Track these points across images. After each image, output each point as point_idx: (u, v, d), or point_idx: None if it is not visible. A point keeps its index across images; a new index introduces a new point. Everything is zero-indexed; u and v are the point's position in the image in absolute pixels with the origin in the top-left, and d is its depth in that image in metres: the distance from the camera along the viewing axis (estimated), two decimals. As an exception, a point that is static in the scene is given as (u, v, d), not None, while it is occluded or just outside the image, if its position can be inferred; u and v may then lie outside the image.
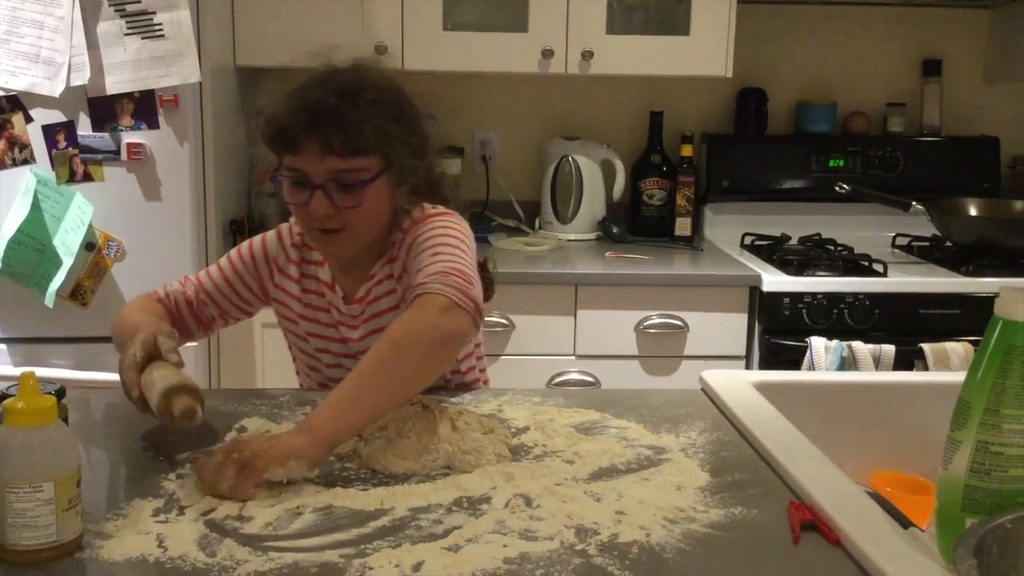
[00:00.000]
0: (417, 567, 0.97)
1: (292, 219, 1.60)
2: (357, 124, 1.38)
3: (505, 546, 1.02)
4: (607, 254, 2.85)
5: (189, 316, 1.59)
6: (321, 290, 1.57)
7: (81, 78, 2.26)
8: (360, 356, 1.54)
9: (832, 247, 2.90)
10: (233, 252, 1.62)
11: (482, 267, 1.52)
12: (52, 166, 2.31)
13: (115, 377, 2.32)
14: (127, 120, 2.32)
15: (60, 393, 1.22)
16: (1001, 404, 0.93)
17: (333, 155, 1.39)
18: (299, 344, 1.63)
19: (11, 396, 1.00)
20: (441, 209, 1.54)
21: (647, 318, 2.61)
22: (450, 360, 1.33)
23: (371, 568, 0.97)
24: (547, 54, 2.78)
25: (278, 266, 1.59)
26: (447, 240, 1.44)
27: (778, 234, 2.99)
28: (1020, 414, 0.93)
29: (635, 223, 3.10)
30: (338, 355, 1.59)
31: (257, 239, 1.62)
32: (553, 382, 2.61)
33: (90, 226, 2.30)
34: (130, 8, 2.27)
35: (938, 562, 0.97)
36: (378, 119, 1.40)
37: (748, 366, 2.64)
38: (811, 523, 1.07)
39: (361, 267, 1.54)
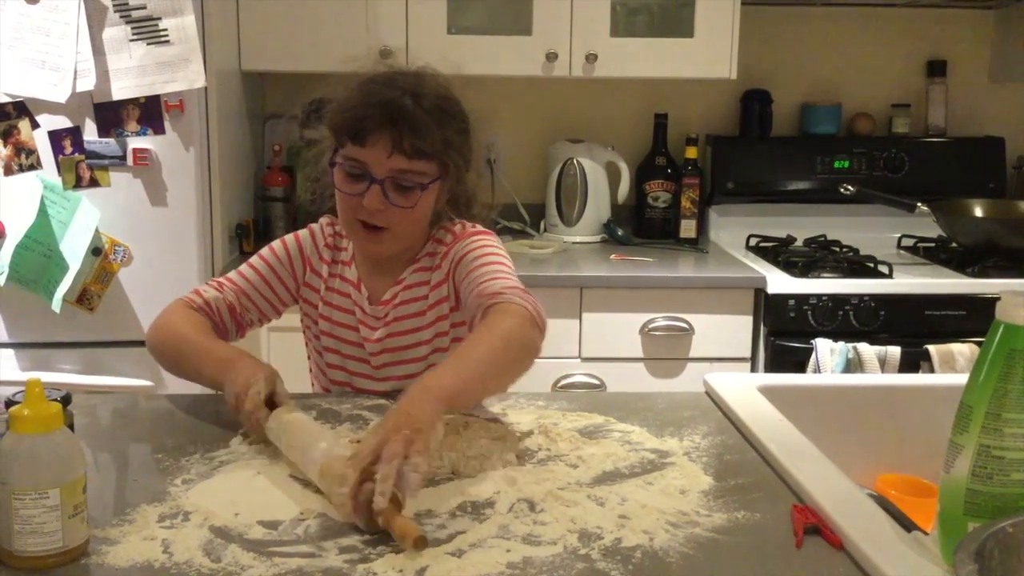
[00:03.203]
0: (421, 572, 0.97)
1: (322, 220, 1.62)
2: (428, 129, 1.42)
3: (508, 551, 1.02)
4: (612, 256, 2.85)
5: (231, 323, 1.57)
6: (347, 290, 1.58)
7: (87, 84, 2.27)
8: (373, 359, 1.55)
9: (837, 248, 2.90)
10: (266, 251, 1.61)
11: None
12: (58, 172, 2.32)
13: (121, 381, 2.32)
14: (133, 125, 2.33)
15: (66, 400, 1.23)
16: (1003, 408, 0.93)
17: (400, 155, 1.42)
18: (313, 343, 1.64)
19: (17, 403, 1.01)
20: (480, 228, 1.57)
21: (652, 320, 2.61)
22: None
23: (375, 573, 0.97)
24: (551, 57, 2.78)
25: (311, 265, 1.60)
26: (499, 260, 1.48)
27: (783, 236, 2.99)
28: (1022, 418, 0.93)
29: (640, 225, 3.11)
30: (346, 356, 1.59)
31: (290, 237, 1.62)
32: (559, 385, 2.61)
33: (96, 231, 2.31)
34: (135, 14, 2.28)
35: (941, 566, 0.97)
36: (444, 128, 1.44)
37: (753, 368, 2.64)
38: (814, 527, 1.08)
39: (390, 271, 1.56)
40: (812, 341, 2.52)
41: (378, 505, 1.04)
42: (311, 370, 1.69)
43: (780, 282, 2.59)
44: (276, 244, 1.61)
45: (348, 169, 1.46)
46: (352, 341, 1.58)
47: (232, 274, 1.60)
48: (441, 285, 1.54)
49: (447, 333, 1.55)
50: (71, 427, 1.19)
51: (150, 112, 2.33)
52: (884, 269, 2.66)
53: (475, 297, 1.42)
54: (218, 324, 1.55)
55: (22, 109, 2.30)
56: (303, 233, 1.62)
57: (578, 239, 3.06)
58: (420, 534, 1.01)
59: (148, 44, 2.29)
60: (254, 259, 1.60)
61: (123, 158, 2.33)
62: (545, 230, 3.12)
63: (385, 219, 1.46)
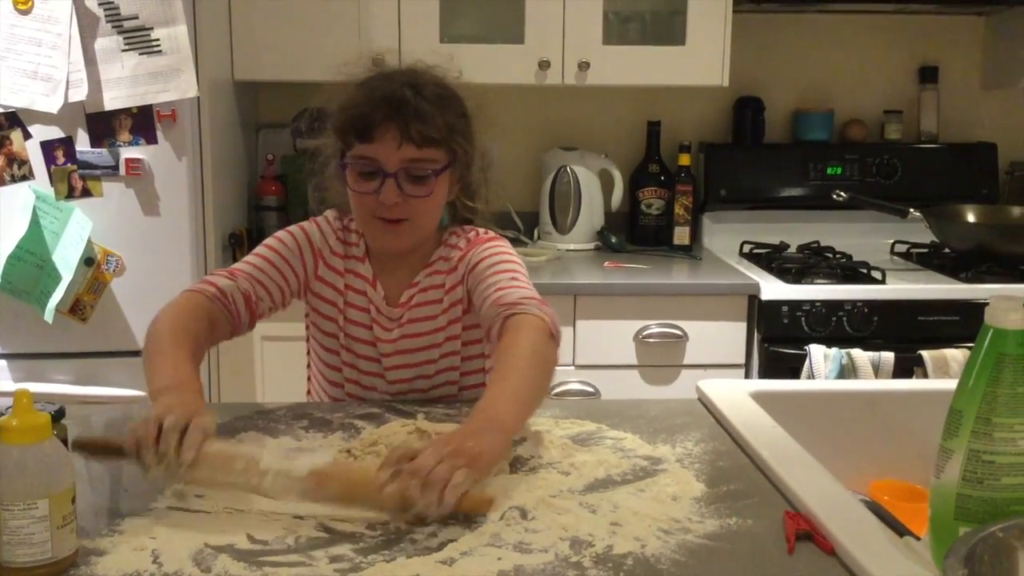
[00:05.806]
0: (411, 581, 0.97)
1: (328, 213, 1.61)
2: (432, 116, 1.44)
3: (500, 559, 1.02)
4: (606, 264, 2.85)
5: (246, 313, 1.51)
6: (363, 287, 1.57)
7: (79, 94, 2.27)
8: (385, 359, 1.56)
9: (830, 255, 2.90)
10: (272, 241, 1.57)
11: None
12: (51, 182, 2.32)
13: (114, 391, 2.31)
14: (125, 136, 2.33)
15: (59, 414, 1.22)
16: (992, 413, 0.93)
17: (410, 144, 1.43)
18: (323, 341, 1.61)
19: (4, 414, 1.01)
20: (492, 234, 1.59)
21: (646, 327, 2.61)
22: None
23: (365, 582, 0.97)
24: (544, 65, 2.79)
25: (323, 258, 1.58)
26: (514, 267, 1.50)
27: (776, 242, 2.99)
28: (1012, 422, 0.93)
29: (633, 233, 3.11)
30: (359, 356, 1.58)
31: (296, 228, 1.59)
32: (553, 393, 2.60)
33: (89, 241, 2.31)
34: (128, 24, 2.28)
35: (932, 571, 0.97)
36: (446, 113, 1.47)
37: (747, 375, 2.64)
38: (806, 533, 1.07)
39: (404, 272, 1.56)
40: (806, 347, 2.52)
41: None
42: (310, 365, 1.68)
43: (773, 288, 2.59)
44: (282, 234, 1.59)
45: (360, 168, 1.47)
46: (365, 340, 1.57)
47: (240, 264, 1.55)
48: (456, 288, 1.55)
49: (459, 336, 1.56)
50: (64, 442, 1.18)
51: (142, 122, 2.33)
52: (877, 275, 2.66)
53: (491, 306, 1.42)
54: (233, 314, 1.50)
55: (14, 119, 2.30)
56: (309, 225, 1.60)
57: (572, 247, 3.06)
58: (491, 496, 1.08)
59: (140, 54, 2.30)
60: (261, 248, 1.57)
61: (115, 168, 2.33)
62: (539, 238, 3.12)
63: (404, 211, 1.47)
